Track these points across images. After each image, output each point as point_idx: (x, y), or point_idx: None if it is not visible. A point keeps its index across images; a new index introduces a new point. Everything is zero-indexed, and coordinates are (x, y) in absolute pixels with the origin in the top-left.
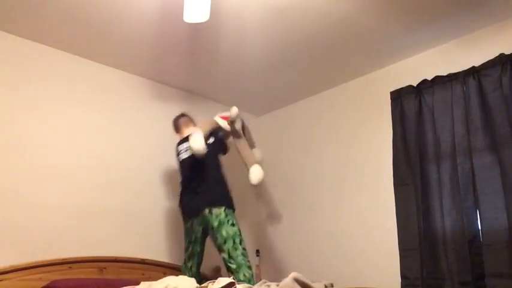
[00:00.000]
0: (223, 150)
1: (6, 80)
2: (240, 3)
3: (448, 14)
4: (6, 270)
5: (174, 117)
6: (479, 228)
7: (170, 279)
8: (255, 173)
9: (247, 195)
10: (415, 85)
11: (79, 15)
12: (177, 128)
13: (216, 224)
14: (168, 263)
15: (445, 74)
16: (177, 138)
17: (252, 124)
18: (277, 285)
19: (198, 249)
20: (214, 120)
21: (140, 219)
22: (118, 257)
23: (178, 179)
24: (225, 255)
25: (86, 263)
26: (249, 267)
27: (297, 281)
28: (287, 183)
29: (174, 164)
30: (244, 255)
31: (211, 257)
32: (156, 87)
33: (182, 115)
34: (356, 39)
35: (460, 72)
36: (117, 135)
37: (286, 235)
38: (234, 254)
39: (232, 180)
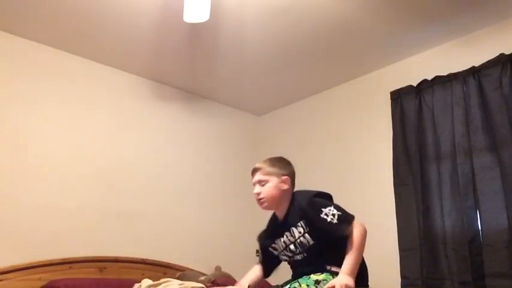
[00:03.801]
0: None
1: (5, 80)
2: (240, 3)
3: (448, 14)
4: (6, 270)
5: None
6: (479, 228)
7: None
8: None
9: (247, 195)
10: (415, 85)
11: (79, 15)
12: None
13: None
14: (168, 263)
15: (445, 74)
16: None
17: (252, 124)
18: None
19: None
20: None
21: (140, 219)
22: (118, 257)
23: None
24: None
25: (86, 263)
26: None
27: None
28: None
29: (173, 163)
30: None
31: (212, 257)
32: (156, 87)
33: None
34: (356, 39)
35: (460, 72)
36: (117, 135)
37: None
38: None
39: (233, 180)
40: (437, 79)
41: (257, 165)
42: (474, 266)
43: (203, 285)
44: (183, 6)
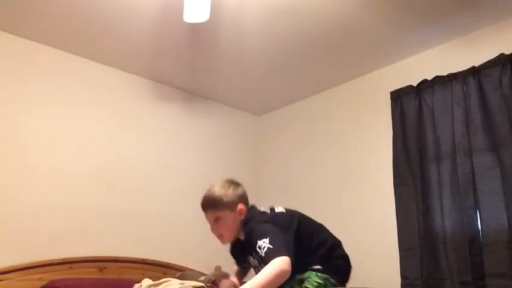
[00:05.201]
0: None
1: (6, 80)
2: (240, 3)
3: (448, 14)
4: (6, 270)
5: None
6: (479, 228)
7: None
8: None
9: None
10: (415, 85)
11: (79, 15)
12: None
13: None
14: (168, 263)
15: (445, 74)
16: None
17: (252, 124)
18: None
19: None
20: None
21: (140, 219)
22: (118, 257)
23: None
24: None
25: (86, 263)
26: None
27: None
28: (287, 183)
29: (173, 163)
30: None
31: (212, 257)
32: (156, 87)
33: None
34: (356, 39)
35: (460, 72)
36: (117, 135)
37: None
38: None
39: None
40: (437, 79)
41: (204, 201)
42: (474, 266)
43: (203, 285)
44: (183, 6)
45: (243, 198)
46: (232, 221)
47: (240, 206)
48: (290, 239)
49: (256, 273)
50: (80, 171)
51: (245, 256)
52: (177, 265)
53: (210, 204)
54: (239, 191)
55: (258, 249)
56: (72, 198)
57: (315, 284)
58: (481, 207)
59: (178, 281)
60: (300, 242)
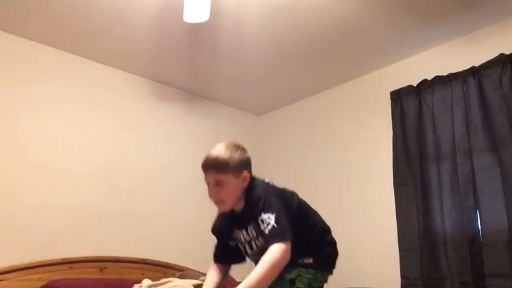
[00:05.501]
0: None
1: (6, 80)
2: (240, 3)
3: (448, 14)
4: (6, 270)
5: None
6: (479, 228)
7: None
8: None
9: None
10: (415, 85)
11: (79, 15)
12: None
13: None
14: (168, 263)
15: (445, 74)
16: None
17: (252, 124)
18: None
19: None
20: None
21: (140, 219)
22: (118, 257)
23: None
24: None
25: (86, 263)
26: None
27: None
28: (287, 183)
29: (173, 163)
30: None
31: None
32: (156, 87)
33: None
34: (356, 39)
35: (460, 72)
36: (117, 135)
37: None
38: None
39: None
40: (437, 79)
41: (207, 161)
42: (474, 266)
43: (203, 283)
44: (183, 6)
45: (249, 165)
46: (234, 187)
47: (245, 173)
48: (289, 219)
49: (246, 249)
50: (80, 171)
51: (232, 231)
52: (177, 265)
53: (213, 165)
54: (246, 156)
55: (261, 222)
56: (72, 198)
57: (306, 281)
58: (481, 207)
59: (179, 280)
60: (296, 222)
